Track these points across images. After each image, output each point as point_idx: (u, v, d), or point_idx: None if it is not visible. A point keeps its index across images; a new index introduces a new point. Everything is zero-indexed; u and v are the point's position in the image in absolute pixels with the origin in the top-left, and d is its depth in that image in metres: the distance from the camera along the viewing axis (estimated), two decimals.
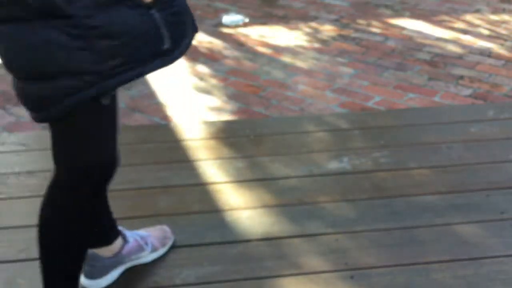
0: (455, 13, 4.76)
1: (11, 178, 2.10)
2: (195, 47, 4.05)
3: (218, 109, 3.17)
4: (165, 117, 3.09)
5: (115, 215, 1.91)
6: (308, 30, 4.40)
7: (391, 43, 4.13)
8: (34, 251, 1.75)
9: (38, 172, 2.13)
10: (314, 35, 4.28)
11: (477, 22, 4.54)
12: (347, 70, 3.69)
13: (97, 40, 1.13)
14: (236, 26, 4.49)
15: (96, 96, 1.20)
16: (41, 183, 2.06)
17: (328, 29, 4.41)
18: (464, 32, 4.33)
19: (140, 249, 1.66)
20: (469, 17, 4.66)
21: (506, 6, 4.94)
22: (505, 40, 4.16)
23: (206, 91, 3.39)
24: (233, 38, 4.24)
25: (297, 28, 4.43)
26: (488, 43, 4.11)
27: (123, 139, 2.37)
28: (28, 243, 1.77)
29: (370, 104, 3.25)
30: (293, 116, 3.05)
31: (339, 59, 3.85)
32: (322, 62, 3.81)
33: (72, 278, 1.45)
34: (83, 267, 1.53)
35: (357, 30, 4.39)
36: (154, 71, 1.23)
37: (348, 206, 1.95)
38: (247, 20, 4.56)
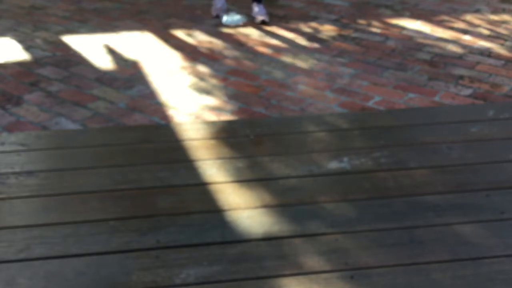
0: (455, 13, 4.77)
1: (11, 178, 2.10)
2: (195, 47, 4.06)
3: (218, 109, 3.17)
4: (165, 117, 3.09)
5: (115, 215, 1.91)
6: (308, 30, 4.40)
7: (391, 43, 4.13)
8: (34, 251, 1.76)
9: (38, 172, 2.13)
10: (314, 35, 4.28)
11: (477, 22, 4.54)
12: (347, 70, 3.69)
13: None
14: (236, 26, 4.49)
15: None
16: (41, 183, 2.07)
17: (328, 29, 4.41)
18: (464, 32, 4.33)
19: None
20: (469, 17, 4.66)
21: (506, 6, 4.94)
22: (505, 40, 4.16)
23: (206, 91, 3.39)
24: (233, 38, 4.24)
25: (297, 28, 4.43)
26: (488, 43, 4.11)
27: (123, 139, 2.38)
28: (28, 243, 1.77)
29: (370, 104, 3.25)
30: (293, 116, 3.06)
31: (339, 59, 3.86)
32: (322, 62, 3.81)
33: None
34: None
35: (357, 30, 4.39)
36: None
37: (348, 206, 1.95)
38: (247, 20, 4.56)
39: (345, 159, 2.20)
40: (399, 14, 4.77)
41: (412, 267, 1.69)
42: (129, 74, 3.64)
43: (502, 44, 4.09)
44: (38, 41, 4.21)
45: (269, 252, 1.75)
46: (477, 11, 4.81)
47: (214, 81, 3.54)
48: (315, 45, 4.10)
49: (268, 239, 1.80)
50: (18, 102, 3.25)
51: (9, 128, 2.98)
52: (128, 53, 3.97)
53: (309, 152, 2.26)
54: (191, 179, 2.09)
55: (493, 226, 1.85)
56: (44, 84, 3.49)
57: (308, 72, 3.66)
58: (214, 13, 4.64)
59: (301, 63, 3.80)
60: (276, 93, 3.38)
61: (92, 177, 2.10)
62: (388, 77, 3.59)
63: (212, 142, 2.33)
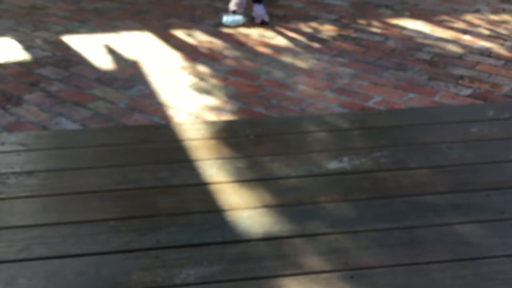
0: (455, 13, 4.77)
1: (11, 178, 2.10)
2: (195, 47, 4.06)
3: (218, 109, 3.17)
4: (165, 117, 3.09)
5: (115, 215, 1.91)
6: (308, 30, 4.40)
7: (391, 43, 4.13)
8: (34, 251, 1.76)
9: (38, 172, 2.13)
10: (314, 35, 4.28)
11: (477, 22, 4.54)
12: (347, 70, 3.69)
13: None
14: (236, 26, 4.49)
15: None
16: (41, 183, 2.07)
17: (328, 29, 4.41)
18: (464, 32, 4.33)
19: None
20: (469, 17, 4.66)
21: (506, 6, 4.94)
22: (505, 40, 4.16)
23: (206, 91, 3.39)
24: (233, 38, 4.24)
25: (297, 28, 4.43)
26: (488, 43, 4.11)
27: (123, 139, 2.38)
28: (28, 243, 1.77)
29: (370, 104, 3.25)
30: (293, 116, 3.06)
31: (339, 59, 3.85)
32: (322, 62, 3.81)
33: None
34: None
35: (357, 30, 4.39)
36: None
37: (348, 206, 1.95)
38: (247, 20, 4.56)
39: (345, 159, 2.20)
40: (399, 14, 4.77)
41: (412, 267, 1.69)
42: (129, 74, 3.64)
43: (502, 44, 4.09)
44: (38, 41, 4.21)
45: (269, 252, 1.75)
46: (477, 11, 4.81)
47: (214, 81, 3.54)
48: (315, 45, 4.10)
49: (268, 239, 1.80)
50: (18, 102, 3.25)
51: (9, 128, 2.98)
52: (128, 53, 3.97)
53: (309, 152, 2.26)
54: (191, 179, 2.09)
55: (493, 226, 1.85)
56: (44, 84, 3.49)
57: (308, 72, 3.66)
58: (232, 8, 4.58)
59: (301, 63, 3.80)
60: (276, 93, 3.38)
61: (92, 177, 2.10)
62: (388, 77, 3.59)
63: (212, 142, 2.33)
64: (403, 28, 4.44)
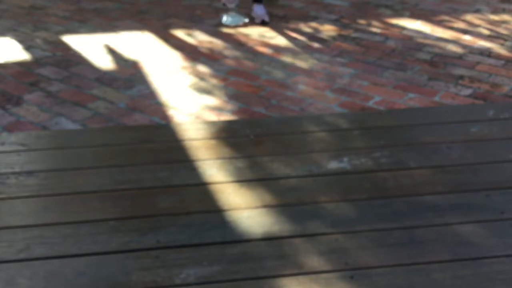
0: (455, 13, 4.77)
1: (11, 178, 2.10)
2: (195, 47, 4.06)
3: (218, 109, 3.17)
4: (165, 117, 3.09)
5: (115, 215, 1.91)
6: (308, 30, 4.40)
7: (391, 43, 4.13)
8: (34, 251, 1.76)
9: (38, 172, 2.13)
10: (314, 35, 4.28)
11: (477, 22, 4.54)
12: (347, 70, 3.69)
13: None
14: (236, 26, 4.49)
15: None
16: (41, 183, 2.07)
17: (328, 29, 4.41)
18: (464, 32, 4.33)
19: None
20: (469, 17, 4.66)
21: (506, 6, 4.94)
22: (505, 40, 4.16)
23: (206, 91, 3.39)
24: (233, 38, 4.24)
25: (297, 28, 4.43)
26: (488, 43, 4.11)
27: (123, 139, 2.38)
28: (28, 243, 1.77)
29: (370, 104, 3.25)
30: (293, 116, 3.06)
31: (339, 59, 3.85)
32: (322, 62, 3.81)
33: None
34: None
35: (357, 30, 4.39)
36: None
37: (348, 206, 1.95)
38: (247, 20, 4.56)
39: (345, 159, 2.20)
40: (399, 14, 4.77)
41: (412, 267, 1.69)
42: (129, 74, 3.64)
43: (502, 44, 4.09)
44: (38, 41, 4.21)
45: (269, 252, 1.75)
46: (477, 11, 4.81)
47: (214, 81, 3.54)
48: (315, 45, 4.10)
49: (268, 239, 1.80)
50: (18, 102, 3.25)
51: (9, 128, 2.98)
52: (128, 53, 3.97)
53: (309, 152, 2.26)
54: (191, 179, 2.09)
55: (493, 226, 1.85)
56: (44, 84, 3.49)
57: (308, 72, 3.66)
58: (222, 0, 4.55)
59: (301, 63, 3.80)
60: (276, 93, 3.38)
61: (92, 177, 2.10)
62: (388, 77, 3.59)
63: (212, 142, 2.33)
64: (403, 28, 4.44)
